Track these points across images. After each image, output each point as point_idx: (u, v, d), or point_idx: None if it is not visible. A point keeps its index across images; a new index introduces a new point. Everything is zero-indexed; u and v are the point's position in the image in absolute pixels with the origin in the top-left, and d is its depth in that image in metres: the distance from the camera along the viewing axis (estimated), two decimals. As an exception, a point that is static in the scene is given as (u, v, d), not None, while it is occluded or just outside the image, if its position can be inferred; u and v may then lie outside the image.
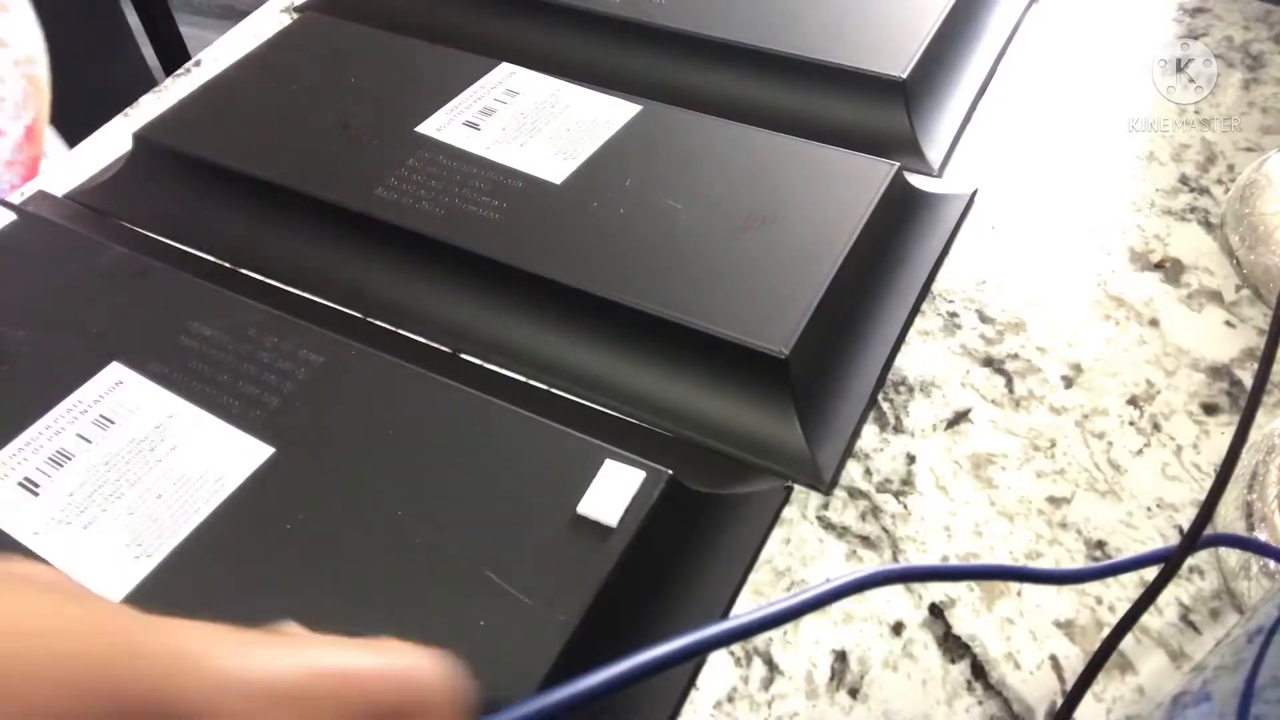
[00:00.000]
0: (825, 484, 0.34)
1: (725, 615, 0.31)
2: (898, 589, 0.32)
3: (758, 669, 0.30)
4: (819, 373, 0.36)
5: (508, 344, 0.39)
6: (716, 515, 0.33)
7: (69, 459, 0.33)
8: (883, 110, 0.46)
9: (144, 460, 0.32)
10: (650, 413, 0.36)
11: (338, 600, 0.29)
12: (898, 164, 0.41)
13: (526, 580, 0.29)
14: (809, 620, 0.31)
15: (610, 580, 0.29)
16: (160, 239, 0.44)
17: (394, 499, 0.31)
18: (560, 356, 0.38)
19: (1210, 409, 0.36)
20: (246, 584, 0.29)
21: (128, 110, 0.53)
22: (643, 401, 0.36)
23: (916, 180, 0.44)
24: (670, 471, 0.31)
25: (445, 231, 0.39)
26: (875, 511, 0.34)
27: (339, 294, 0.41)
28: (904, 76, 0.45)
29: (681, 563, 0.32)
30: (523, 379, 0.38)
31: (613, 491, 0.30)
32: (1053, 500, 0.34)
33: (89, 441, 0.33)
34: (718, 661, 0.30)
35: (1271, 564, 0.29)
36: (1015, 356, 0.38)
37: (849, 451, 0.35)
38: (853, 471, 0.35)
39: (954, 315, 0.40)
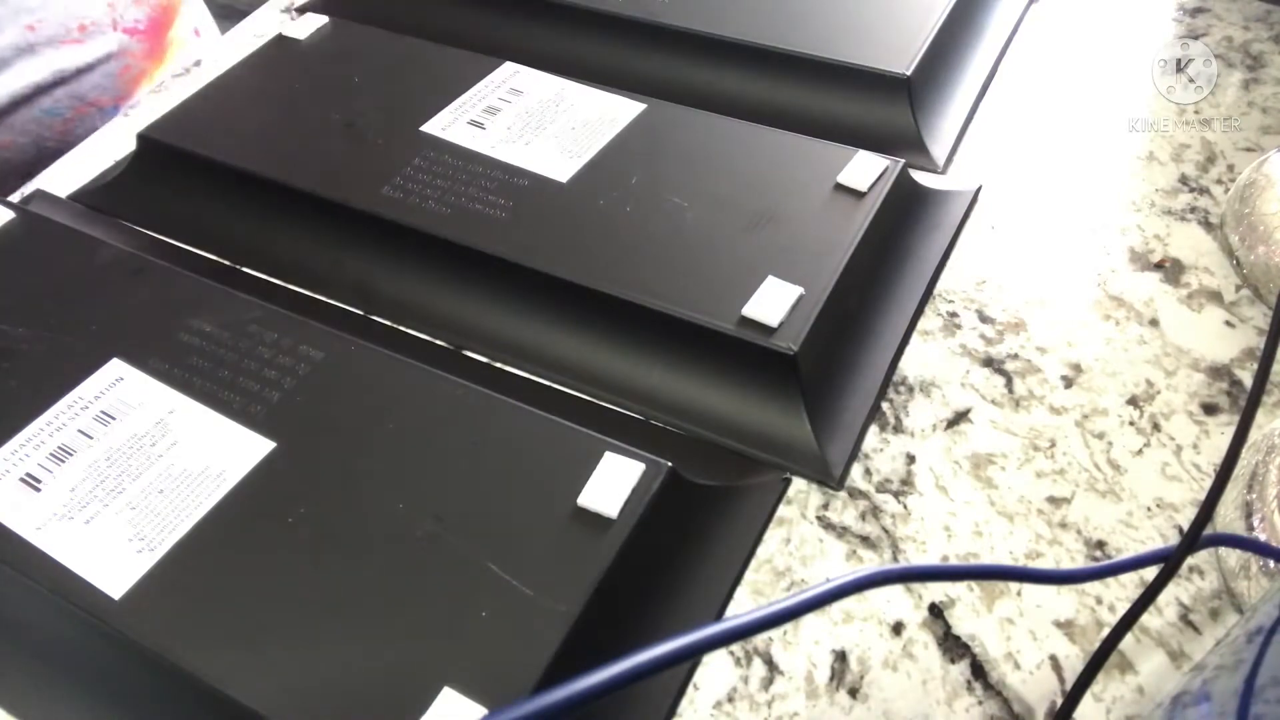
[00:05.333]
0: (835, 480, 0.34)
1: (724, 606, 0.32)
2: (898, 589, 0.32)
3: (758, 669, 0.30)
4: (827, 369, 0.36)
5: (515, 342, 0.39)
6: (716, 507, 0.33)
7: (70, 455, 0.33)
8: (887, 107, 0.46)
9: (145, 456, 0.32)
10: (658, 409, 0.36)
11: (340, 593, 0.29)
12: (903, 160, 0.41)
13: (528, 572, 0.29)
14: (809, 620, 0.31)
15: (611, 571, 0.29)
16: (163, 238, 0.44)
17: (395, 492, 0.31)
18: (568, 354, 0.38)
19: (1210, 409, 0.36)
20: (249, 578, 0.29)
21: (128, 110, 0.53)
22: (651, 398, 0.36)
23: (921, 177, 0.44)
24: (670, 464, 0.31)
25: (452, 230, 0.39)
26: (875, 511, 0.34)
27: (344, 292, 0.41)
28: (908, 74, 0.45)
29: (681, 554, 0.32)
30: (528, 376, 0.38)
31: (613, 483, 0.31)
32: (1053, 500, 0.34)
33: (90, 438, 0.33)
34: (718, 661, 0.30)
35: (1271, 564, 0.29)
36: (1015, 356, 0.38)
37: (858, 448, 0.35)
38: (853, 471, 0.35)
39: (954, 315, 0.40)
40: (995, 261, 0.42)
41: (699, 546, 0.32)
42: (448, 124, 0.44)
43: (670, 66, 0.49)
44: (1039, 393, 0.37)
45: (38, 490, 0.32)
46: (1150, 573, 0.30)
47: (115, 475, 0.32)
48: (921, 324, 0.39)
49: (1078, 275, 0.41)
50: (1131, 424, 0.36)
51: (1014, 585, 0.32)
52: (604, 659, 0.17)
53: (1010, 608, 0.31)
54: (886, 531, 0.33)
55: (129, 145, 0.48)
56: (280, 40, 0.51)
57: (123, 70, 0.59)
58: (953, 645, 0.30)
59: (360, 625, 0.28)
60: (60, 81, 0.57)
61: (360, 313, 0.41)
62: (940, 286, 0.41)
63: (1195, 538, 0.25)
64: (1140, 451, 0.35)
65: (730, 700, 0.30)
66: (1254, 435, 0.33)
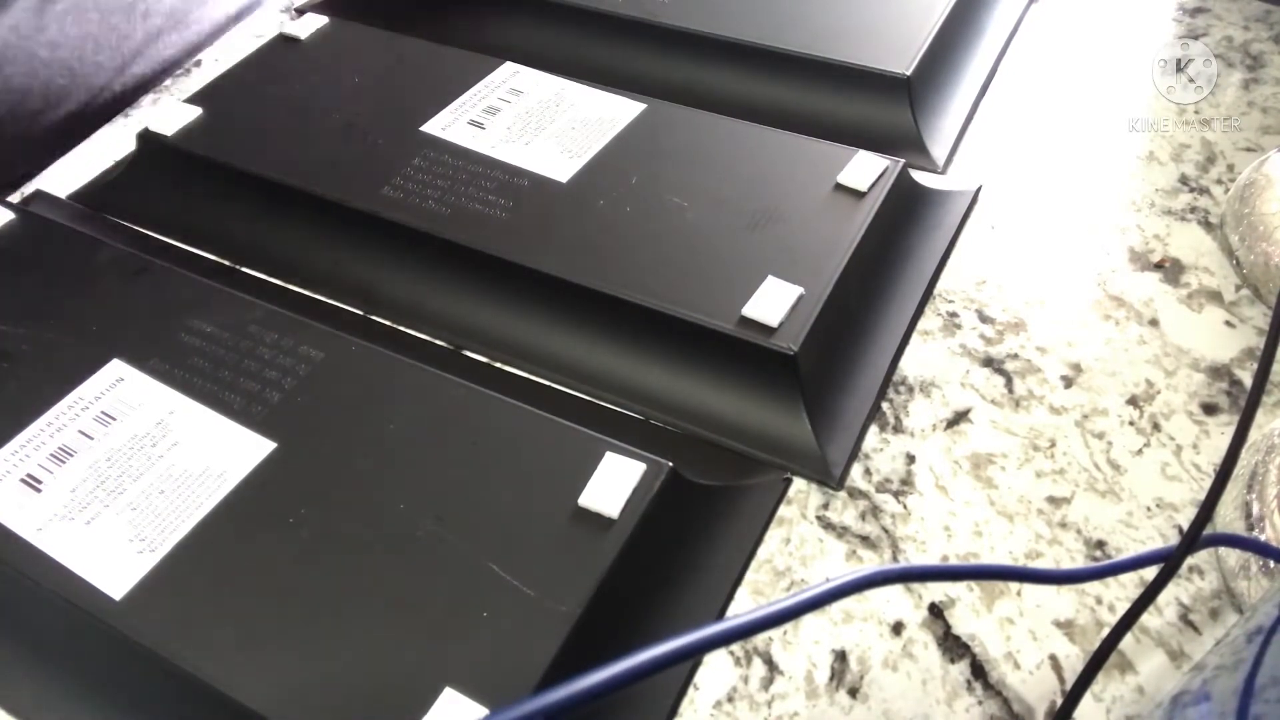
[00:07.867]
0: (835, 480, 0.34)
1: (725, 606, 0.32)
2: (898, 589, 0.32)
3: (758, 669, 0.30)
4: (826, 369, 0.36)
5: (515, 342, 0.39)
6: (717, 507, 0.33)
7: (71, 455, 0.33)
8: (887, 107, 0.46)
9: (146, 456, 0.32)
10: (659, 409, 0.36)
11: (340, 594, 0.29)
12: (903, 160, 0.41)
13: (529, 572, 0.29)
14: (809, 620, 0.31)
15: (612, 571, 0.29)
16: (163, 239, 0.44)
17: (396, 493, 0.31)
18: (568, 354, 0.38)
19: (1210, 409, 0.36)
20: (250, 578, 0.29)
21: (128, 110, 0.53)
22: (651, 398, 0.36)
23: (921, 177, 0.44)
24: (670, 464, 0.31)
25: (452, 230, 0.39)
26: (875, 511, 0.34)
27: (344, 292, 0.41)
28: (908, 74, 0.45)
29: (683, 554, 0.32)
30: (528, 376, 0.38)
31: (614, 484, 0.31)
32: (1052, 500, 0.34)
33: (90, 438, 0.33)
34: (718, 661, 0.30)
35: (1271, 564, 0.29)
36: (1015, 356, 0.38)
37: (858, 448, 0.35)
38: (853, 471, 0.35)
39: (954, 315, 0.40)
40: (995, 261, 0.42)
41: (699, 546, 0.32)
42: (448, 124, 0.44)
43: (670, 66, 0.49)
44: (1039, 393, 0.37)
45: (38, 491, 0.32)
46: (1150, 573, 0.30)
47: (116, 476, 0.32)
48: (921, 324, 0.39)
49: (1077, 275, 0.41)
50: (1131, 424, 0.36)
51: (1014, 585, 0.32)
52: (605, 659, 0.17)
53: (1010, 608, 0.31)
54: (886, 531, 0.33)
55: (129, 145, 0.48)
56: (280, 40, 0.51)
57: None
58: (953, 645, 0.30)
59: (361, 625, 0.28)
60: None
61: (360, 313, 0.41)
62: (940, 286, 0.41)
63: (1195, 538, 0.25)
64: (1140, 451, 0.35)
65: (730, 700, 0.30)
66: (1254, 435, 0.33)
